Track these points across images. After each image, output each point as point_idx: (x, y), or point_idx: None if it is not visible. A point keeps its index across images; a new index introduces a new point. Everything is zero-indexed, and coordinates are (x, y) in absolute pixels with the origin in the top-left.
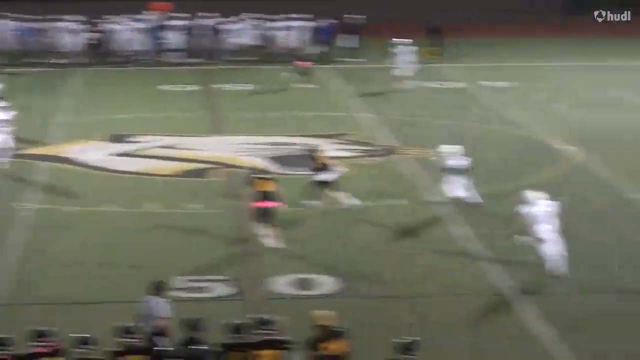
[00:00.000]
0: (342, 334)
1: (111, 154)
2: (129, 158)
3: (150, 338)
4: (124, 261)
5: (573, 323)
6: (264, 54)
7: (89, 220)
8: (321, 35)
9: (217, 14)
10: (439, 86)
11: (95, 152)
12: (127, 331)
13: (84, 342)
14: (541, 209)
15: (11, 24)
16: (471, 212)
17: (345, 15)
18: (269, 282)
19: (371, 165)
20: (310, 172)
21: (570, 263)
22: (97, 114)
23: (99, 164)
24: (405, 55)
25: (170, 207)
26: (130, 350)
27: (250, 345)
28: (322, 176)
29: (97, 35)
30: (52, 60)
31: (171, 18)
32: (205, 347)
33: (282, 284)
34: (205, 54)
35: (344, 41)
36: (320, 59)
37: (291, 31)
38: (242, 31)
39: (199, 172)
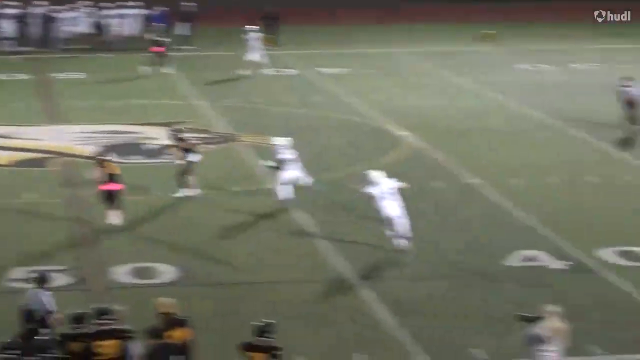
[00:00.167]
0: (186, 322)
1: None
2: None
3: (33, 331)
4: None
5: (411, 307)
6: (98, 42)
7: None
8: (155, 23)
9: (49, 2)
10: (275, 73)
11: None
12: None
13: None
14: (385, 188)
15: None
16: (311, 198)
17: (182, 3)
18: (110, 271)
19: (210, 152)
20: (174, 157)
21: (409, 247)
22: None
23: None
24: (256, 42)
25: (6, 197)
26: None
27: (90, 335)
28: (190, 158)
29: None
30: None
31: (4, 6)
32: (47, 338)
33: (123, 273)
34: (39, 42)
35: (178, 29)
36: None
37: (125, 19)
38: (75, 19)
39: (35, 162)
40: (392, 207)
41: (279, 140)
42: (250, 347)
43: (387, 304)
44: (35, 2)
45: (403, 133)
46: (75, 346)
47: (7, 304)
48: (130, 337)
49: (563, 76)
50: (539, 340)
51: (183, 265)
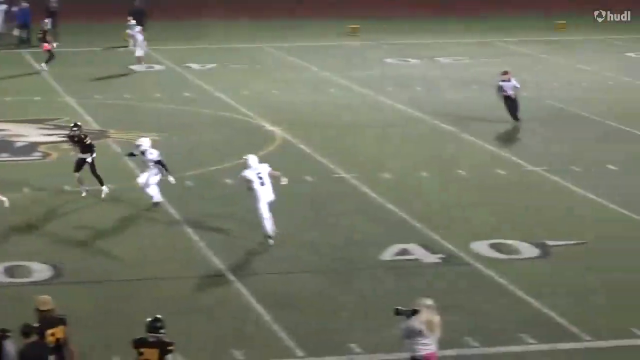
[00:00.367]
0: (64, 321)
1: None
2: None
3: None
4: None
5: (288, 302)
6: None
7: None
8: (19, 19)
9: None
10: (144, 69)
11: None
12: None
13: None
14: (261, 172)
15: None
16: (185, 193)
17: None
18: None
19: None
20: (78, 151)
21: (280, 242)
22: None
23: None
24: (140, 37)
25: None
26: None
27: None
28: (88, 156)
29: None
30: None
31: None
32: None
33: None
34: None
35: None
36: (21, 43)
37: None
38: None
39: None
40: (263, 193)
41: (143, 140)
42: (141, 343)
43: (264, 299)
44: None
45: (275, 128)
46: None
47: None
48: (5, 337)
49: (432, 70)
50: (414, 333)
51: (58, 263)
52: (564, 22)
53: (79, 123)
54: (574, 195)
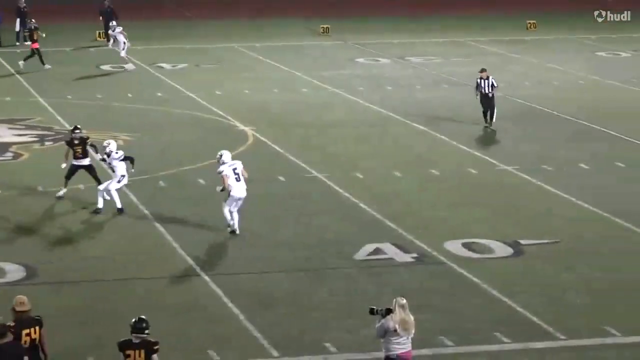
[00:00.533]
0: (40, 321)
1: None
2: None
3: None
4: None
5: (263, 302)
6: None
7: None
8: None
9: None
10: (115, 69)
11: None
12: None
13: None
14: (237, 167)
15: None
16: (157, 193)
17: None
18: None
19: (53, 149)
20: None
21: (254, 242)
22: None
23: None
24: (123, 37)
25: None
26: None
27: None
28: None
29: None
30: None
31: None
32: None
33: None
34: None
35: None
36: None
37: None
38: None
39: None
40: (238, 188)
41: (110, 142)
42: (126, 345)
43: (238, 299)
44: None
45: (247, 127)
46: None
47: None
48: None
49: (403, 70)
50: (389, 332)
51: (32, 264)
52: (534, 21)
53: (78, 125)
54: (547, 195)
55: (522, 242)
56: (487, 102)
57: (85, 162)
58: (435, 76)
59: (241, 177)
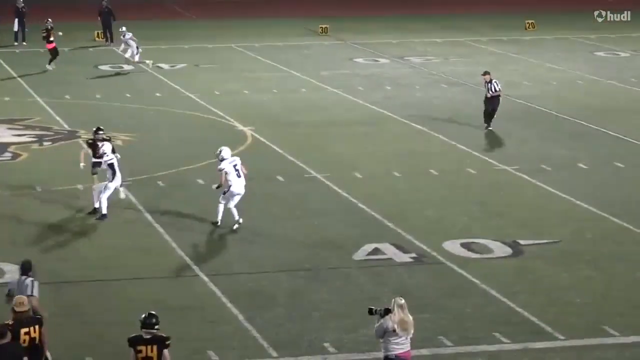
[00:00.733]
0: (40, 321)
1: None
2: None
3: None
4: None
5: (262, 302)
6: None
7: None
8: None
9: None
10: (114, 69)
11: None
12: None
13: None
14: (236, 164)
15: None
16: (155, 194)
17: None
18: None
19: (52, 150)
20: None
21: (252, 242)
22: None
23: None
24: (134, 43)
25: None
26: None
27: None
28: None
29: None
30: None
31: None
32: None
33: None
34: None
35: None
36: None
37: None
38: None
39: None
40: (238, 184)
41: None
42: (137, 341)
43: (237, 299)
44: None
45: (246, 127)
46: None
47: None
48: None
49: (402, 70)
50: (387, 333)
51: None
52: (533, 21)
53: (101, 127)
54: (545, 194)
55: (521, 242)
56: (491, 104)
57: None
58: (435, 76)
59: (241, 173)
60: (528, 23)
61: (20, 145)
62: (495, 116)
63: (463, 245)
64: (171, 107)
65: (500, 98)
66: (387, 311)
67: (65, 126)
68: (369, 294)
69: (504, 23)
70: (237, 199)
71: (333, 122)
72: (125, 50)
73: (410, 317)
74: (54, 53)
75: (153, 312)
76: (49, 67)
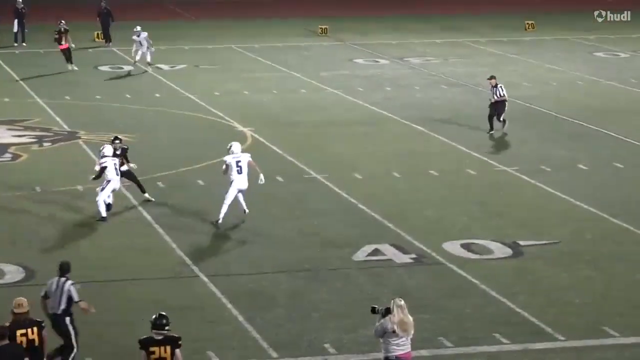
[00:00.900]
0: (40, 324)
1: None
2: None
3: (59, 318)
4: None
5: (262, 302)
6: None
7: None
8: None
9: None
10: (114, 70)
11: None
12: None
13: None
14: (242, 160)
15: None
16: (155, 194)
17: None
18: None
19: (52, 150)
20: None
21: (252, 242)
22: None
23: None
24: (145, 43)
25: None
26: None
27: None
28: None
29: None
30: None
31: None
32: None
33: None
34: None
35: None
36: None
37: None
38: None
39: None
40: (239, 180)
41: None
42: (149, 342)
43: (237, 300)
44: None
45: (246, 128)
46: None
47: None
48: None
49: (401, 70)
50: (387, 333)
51: (30, 265)
52: (533, 22)
53: (118, 136)
54: (545, 195)
55: (521, 242)
56: (496, 109)
57: (124, 168)
58: (434, 77)
59: (243, 170)
60: (528, 24)
61: (20, 146)
62: (507, 122)
63: (463, 245)
64: (171, 108)
65: (507, 103)
66: (388, 311)
67: (65, 127)
68: (368, 294)
69: (503, 23)
70: (240, 196)
71: (333, 122)
72: (136, 52)
73: (410, 318)
74: (67, 53)
75: (163, 313)
76: (70, 67)
